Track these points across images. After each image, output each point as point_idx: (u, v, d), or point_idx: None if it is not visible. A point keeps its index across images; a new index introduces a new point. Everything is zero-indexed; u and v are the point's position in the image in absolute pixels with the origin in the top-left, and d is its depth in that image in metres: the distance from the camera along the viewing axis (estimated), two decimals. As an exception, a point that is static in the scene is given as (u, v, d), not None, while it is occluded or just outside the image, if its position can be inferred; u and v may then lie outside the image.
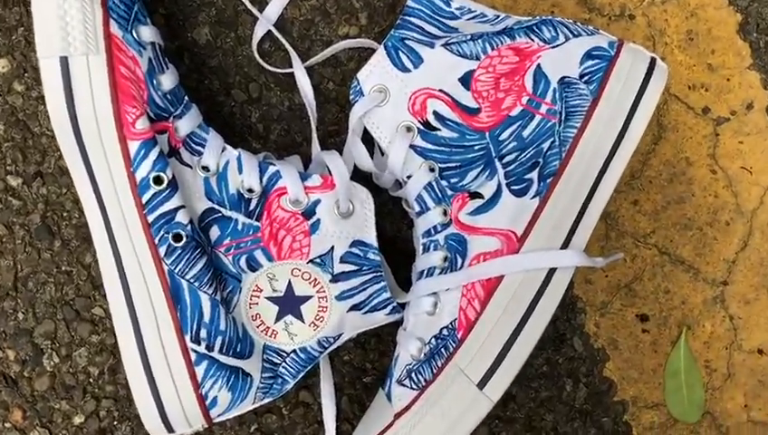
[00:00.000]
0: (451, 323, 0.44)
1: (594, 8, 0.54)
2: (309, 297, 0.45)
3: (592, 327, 0.54)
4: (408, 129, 0.45)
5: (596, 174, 0.44)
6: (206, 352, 0.43)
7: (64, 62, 0.40)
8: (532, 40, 0.45)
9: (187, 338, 0.43)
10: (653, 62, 0.45)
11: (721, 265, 0.54)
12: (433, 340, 0.44)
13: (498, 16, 0.47)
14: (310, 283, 0.45)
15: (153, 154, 0.42)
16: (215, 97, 0.51)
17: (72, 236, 0.50)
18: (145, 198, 0.42)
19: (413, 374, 0.44)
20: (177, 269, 0.42)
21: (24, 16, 0.50)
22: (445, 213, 0.45)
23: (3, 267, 0.50)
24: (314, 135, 0.49)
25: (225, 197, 0.44)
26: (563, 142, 0.44)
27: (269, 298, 0.45)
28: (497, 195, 0.44)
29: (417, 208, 0.46)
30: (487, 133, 0.45)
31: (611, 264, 0.53)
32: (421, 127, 0.45)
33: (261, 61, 0.51)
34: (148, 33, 0.43)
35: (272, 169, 0.45)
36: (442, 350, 0.44)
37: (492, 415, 0.52)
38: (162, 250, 0.42)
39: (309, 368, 0.46)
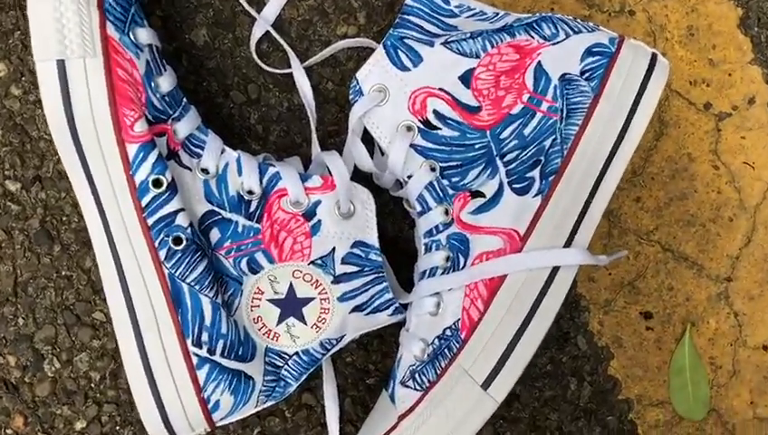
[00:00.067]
0: (454, 323, 0.44)
1: (594, 4, 0.53)
2: (311, 299, 0.45)
3: (596, 325, 0.53)
4: (409, 128, 0.45)
5: (598, 171, 0.44)
6: (207, 355, 0.43)
7: (61, 65, 0.40)
8: (533, 37, 0.45)
9: (189, 342, 0.42)
10: (654, 57, 0.45)
11: (725, 262, 0.54)
12: (436, 340, 0.44)
13: (498, 14, 0.46)
14: (311, 284, 0.45)
15: (152, 157, 0.41)
16: (213, 99, 0.51)
17: (71, 240, 0.50)
18: (144, 202, 0.42)
19: (416, 375, 0.44)
20: (178, 272, 0.42)
21: (20, 20, 0.50)
22: (446, 212, 0.45)
23: (2, 273, 0.49)
24: (314, 136, 0.49)
25: (224, 199, 0.44)
26: (565, 140, 0.44)
27: (270, 300, 0.45)
28: (499, 194, 0.44)
29: (419, 208, 0.45)
30: (488, 132, 0.44)
31: (615, 261, 0.53)
32: (421, 126, 0.45)
33: (259, 62, 0.50)
34: (145, 35, 0.42)
35: (272, 171, 0.45)
36: (445, 350, 0.44)
37: (496, 415, 0.52)
38: (162, 253, 0.42)
39: (311, 370, 0.46)
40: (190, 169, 0.44)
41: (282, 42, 0.50)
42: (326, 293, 0.45)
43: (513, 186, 0.44)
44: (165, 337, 0.42)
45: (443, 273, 0.44)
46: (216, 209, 0.44)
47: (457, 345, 0.43)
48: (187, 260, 0.42)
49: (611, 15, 0.53)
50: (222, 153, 0.44)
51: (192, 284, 0.42)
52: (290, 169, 0.45)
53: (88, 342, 0.50)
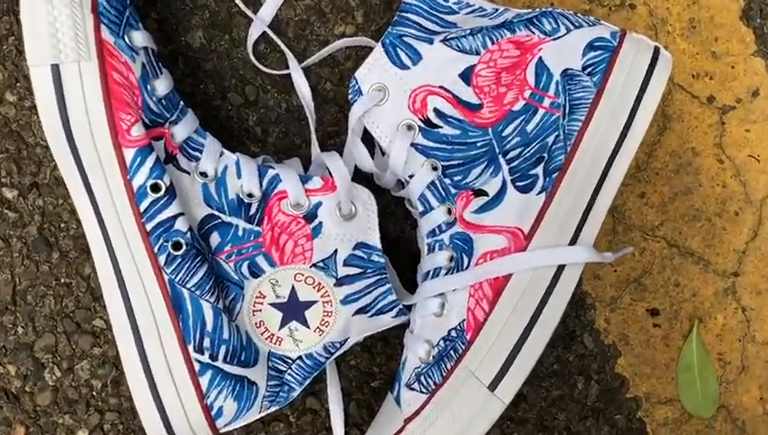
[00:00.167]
0: (459, 324, 0.43)
1: (594, -1, 0.53)
2: (313, 302, 0.45)
3: (602, 323, 0.53)
4: (409, 127, 0.44)
5: (602, 167, 0.43)
6: (209, 361, 0.42)
7: (55, 69, 0.39)
8: (533, 33, 0.44)
9: (190, 348, 0.42)
10: (657, 51, 0.45)
11: (731, 256, 0.53)
12: (441, 342, 0.43)
13: (497, 10, 0.46)
14: (314, 287, 0.45)
15: (150, 161, 0.41)
16: (211, 101, 0.50)
17: (70, 247, 0.49)
18: (143, 207, 0.41)
19: (422, 378, 0.44)
20: (178, 278, 0.42)
21: (14, 25, 0.49)
22: (449, 212, 0.44)
23: (1, 281, 0.49)
24: (313, 136, 0.49)
25: (224, 202, 0.44)
26: (568, 136, 0.43)
27: (272, 304, 0.45)
28: (502, 192, 0.44)
29: (421, 208, 0.45)
30: (490, 129, 0.44)
31: (620, 258, 0.53)
32: (422, 125, 0.44)
33: (257, 63, 0.50)
34: (140, 37, 0.42)
35: (271, 173, 0.44)
36: (451, 352, 0.43)
37: (503, 416, 0.51)
38: (162, 259, 0.41)
39: (315, 374, 0.45)
40: (189, 173, 0.43)
41: (279, 42, 0.50)
42: (329, 296, 0.45)
43: (517, 184, 0.44)
44: (166, 344, 0.42)
45: (447, 273, 0.44)
46: (216, 213, 0.44)
47: (463, 346, 0.43)
48: (187, 265, 0.42)
49: (612, 9, 0.53)
50: (220, 156, 0.44)
51: (192, 289, 0.42)
52: (290, 170, 0.45)
53: (89, 349, 0.49)
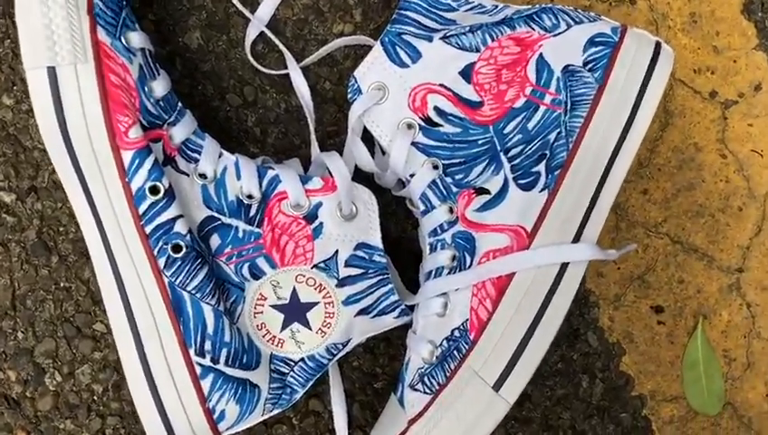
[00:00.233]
0: (462, 324, 0.43)
1: (594, -6, 0.53)
2: (315, 304, 0.44)
3: (606, 321, 0.52)
4: (409, 126, 0.44)
5: (605, 163, 0.43)
6: (211, 364, 0.42)
7: (52, 72, 0.39)
8: (533, 29, 0.44)
9: (192, 351, 0.42)
10: (658, 46, 0.44)
11: (735, 252, 0.53)
12: (444, 342, 0.43)
13: (497, 6, 0.46)
14: (315, 289, 0.44)
15: (148, 163, 0.41)
16: (209, 102, 0.50)
17: (69, 251, 0.49)
18: (141, 209, 0.41)
19: (425, 378, 0.43)
20: (178, 281, 0.41)
21: (10, 28, 0.49)
22: (451, 211, 0.44)
23: (0, 286, 0.49)
24: (313, 136, 0.48)
25: (224, 204, 0.43)
26: (570, 133, 0.43)
27: (274, 306, 0.44)
28: (504, 190, 0.43)
29: (422, 207, 0.45)
30: (491, 127, 0.44)
31: (624, 255, 0.52)
32: (422, 123, 0.44)
33: (255, 63, 0.50)
34: (137, 39, 0.42)
35: (271, 174, 0.44)
36: (454, 352, 0.43)
37: (507, 416, 0.51)
38: (161, 262, 0.41)
39: (318, 376, 0.45)
40: (188, 175, 0.43)
41: (277, 42, 0.49)
42: (330, 297, 0.45)
43: (519, 181, 0.43)
44: (167, 348, 0.41)
45: (449, 273, 0.44)
46: (216, 215, 0.43)
47: (466, 346, 0.42)
48: (187, 268, 0.41)
49: (612, 5, 0.52)
50: (219, 157, 0.44)
51: (193, 292, 0.42)
52: (289, 171, 0.44)
53: (89, 354, 0.49)
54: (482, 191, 0.44)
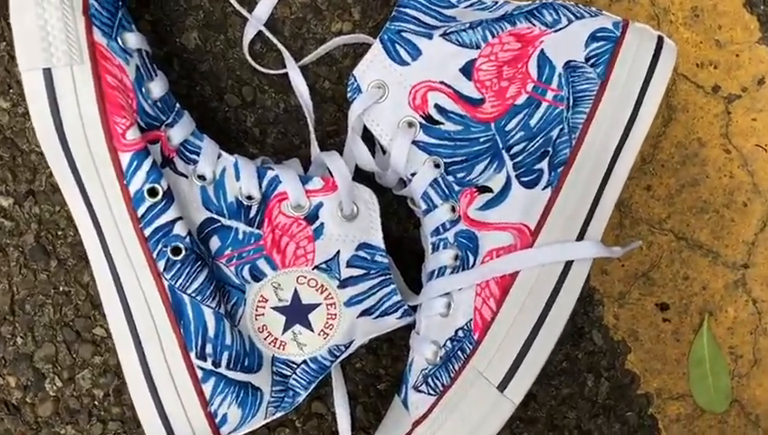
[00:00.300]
0: (466, 324, 0.42)
1: (595, -11, 0.52)
2: (317, 305, 0.44)
3: (611, 319, 0.52)
4: (410, 124, 0.44)
5: (608, 160, 0.43)
6: (212, 368, 0.41)
7: (47, 74, 0.39)
8: (534, 24, 0.43)
9: (192, 355, 0.41)
10: (660, 40, 0.44)
11: (741, 248, 0.53)
12: (448, 342, 0.43)
13: (497, 2, 0.45)
14: (317, 290, 0.44)
15: (146, 165, 0.40)
16: (207, 103, 0.50)
17: (68, 254, 0.49)
18: (140, 212, 0.40)
19: (429, 379, 0.43)
20: (178, 284, 0.41)
21: (5, 30, 0.48)
22: (453, 209, 0.43)
23: (-2, 291, 0.48)
24: (313, 136, 0.48)
25: (223, 205, 0.43)
26: (573, 129, 0.43)
27: (275, 308, 0.44)
28: (507, 188, 0.43)
29: (424, 206, 0.44)
30: (493, 124, 0.43)
31: (628, 253, 0.52)
32: (423, 121, 0.43)
33: (253, 63, 0.49)
34: (134, 39, 0.41)
35: (270, 174, 0.44)
36: (458, 352, 0.42)
37: (512, 416, 0.50)
38: (161, 265, 0.41)
39: (321, 378, 0.45)
40: (186, 177, 0.42)
41: (275, 41, 0.49)
42: (332, 298, 0.44)
43: (521, 179, 0.43)
44: (167, 351, 0.41)
45: (452, 272, 0.43)
46: (215, 216, 0.43)
47: (470, 347, 0.42)
48: (186, 270, 0.41)
49: (613, 0, 0.52)
50: (218, 158, 0.43)
51: (193, 295, 0.41)
52: (289, 171, 0.44)
53: (89, 358, 0.49)
54: (484, 189, 0.43)
